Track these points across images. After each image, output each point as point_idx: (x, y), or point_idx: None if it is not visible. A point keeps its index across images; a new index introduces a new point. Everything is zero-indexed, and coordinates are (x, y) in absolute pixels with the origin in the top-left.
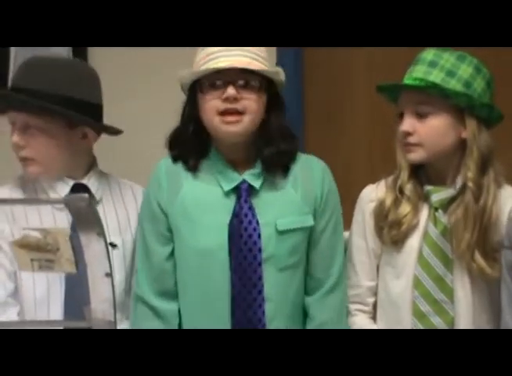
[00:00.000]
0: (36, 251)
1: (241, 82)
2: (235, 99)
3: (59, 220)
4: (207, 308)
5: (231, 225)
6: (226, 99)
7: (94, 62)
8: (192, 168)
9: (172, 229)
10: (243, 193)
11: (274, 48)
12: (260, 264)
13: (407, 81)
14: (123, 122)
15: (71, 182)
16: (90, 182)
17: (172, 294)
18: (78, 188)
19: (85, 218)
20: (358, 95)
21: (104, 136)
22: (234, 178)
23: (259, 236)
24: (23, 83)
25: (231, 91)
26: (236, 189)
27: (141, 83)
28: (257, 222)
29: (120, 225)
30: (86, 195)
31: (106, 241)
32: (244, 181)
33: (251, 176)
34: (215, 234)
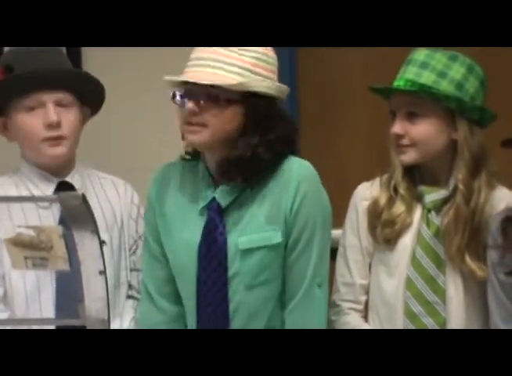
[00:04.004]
0: (30, 249)
1: (202, 98)
2: (195, 113)
3: (44, 219)
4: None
5: (200, 243)
6: (187, 112)
7: (88, 62)
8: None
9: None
10: (211, 212)
11: None
12: (225, 283)
13: (399, 82)
14: (117, 122)
15: (55, 180)
16: (74, 179)
17: (174, 297)
18: (63, 186)
19: (79, 216)
20: (352, 94)
21: (100, 135)
22: (208, 195)
23: (225, 255)
24: (33, 65)
25: (189, 105)
26: (207, 207)
27: (135, 83)
28: (225, 241)
29: (106, 222)
30: (80, 193)
31: (99, 239)
32: (214, 199)
33: (222, 193)
34: (187, 252)
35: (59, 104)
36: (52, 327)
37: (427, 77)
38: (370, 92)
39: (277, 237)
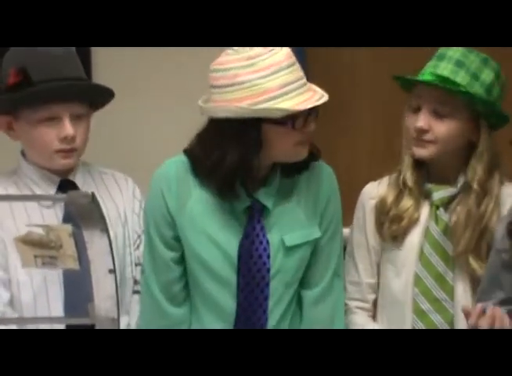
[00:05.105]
0: (39, 247)
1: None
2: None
3: (47, 218)
4: (210, 321)
5: (242, 245)
6: (308, 132)
7: (97, 62)
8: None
9: (180, 237)
10: (256, 214)
11: None
12: (268, 284)
13: (429, 76)
14: (125, 122)
15: (57, 179)
16: (76, 178)
17: (180, 299)
18: (65, 184)
19: (88, 215)
20: (360, 95)
21: (106, 135)
22: (246, 198)
23: (268, 256)
24: (55, 73)
25: (313, 125)
26: (248, 208)
27: (144, 83)
28: (268, 242)
29: (110, 219)
30: (89, 192)
31: (109, 238)
32: (257, 200)
33: (265, 195)
34: (225, 254)
35: (73, 116)
36: (62, 326)
37: (462, 77)
38: (378, 93)
39: (317, 232)
